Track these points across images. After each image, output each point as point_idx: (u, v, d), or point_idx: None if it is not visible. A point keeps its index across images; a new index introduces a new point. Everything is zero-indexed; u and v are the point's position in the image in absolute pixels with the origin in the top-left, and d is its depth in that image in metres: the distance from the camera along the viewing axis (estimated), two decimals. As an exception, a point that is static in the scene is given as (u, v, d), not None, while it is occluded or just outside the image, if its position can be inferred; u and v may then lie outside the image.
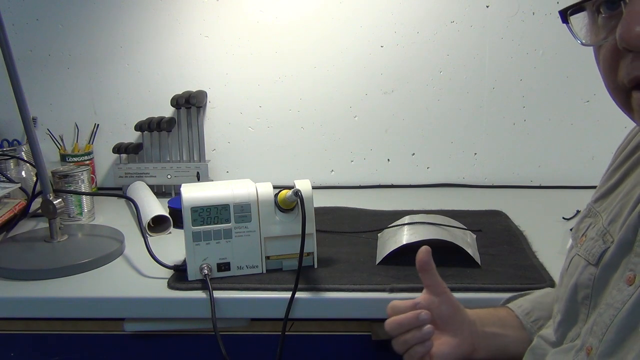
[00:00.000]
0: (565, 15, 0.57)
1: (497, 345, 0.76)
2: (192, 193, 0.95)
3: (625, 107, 0.56)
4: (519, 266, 0.97)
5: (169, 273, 0.97)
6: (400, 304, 0.75)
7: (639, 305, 0.56)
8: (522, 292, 0.84)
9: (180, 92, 1.43)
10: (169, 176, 1.42)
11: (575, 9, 0.57)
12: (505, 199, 1.36)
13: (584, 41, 0.57)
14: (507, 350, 0.76)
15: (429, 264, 0.75)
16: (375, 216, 1.24)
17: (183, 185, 0.97)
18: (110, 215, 1.30)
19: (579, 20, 0.58)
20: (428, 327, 0.72)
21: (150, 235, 1.15)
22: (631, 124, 0.62)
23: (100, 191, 1.49)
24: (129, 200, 1.25)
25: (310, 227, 0.96)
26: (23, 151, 1.40)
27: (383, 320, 0.92)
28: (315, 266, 0.98)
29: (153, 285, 0.95)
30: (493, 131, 1.46)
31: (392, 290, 0.90)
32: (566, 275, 0.69)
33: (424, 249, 0.75)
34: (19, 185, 1.31)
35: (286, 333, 0.89)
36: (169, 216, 1.19)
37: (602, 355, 0.58)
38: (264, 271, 0.97)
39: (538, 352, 0.71)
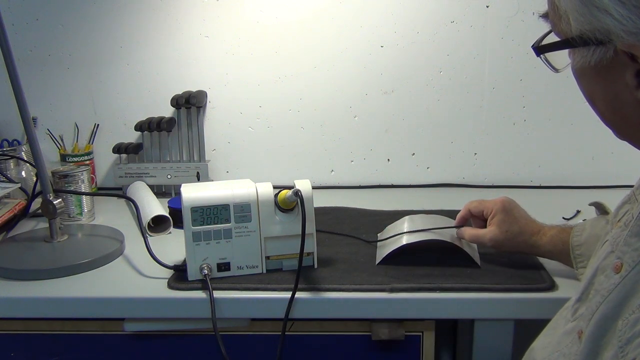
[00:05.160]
0: (538, 47, 0.60)
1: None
2: (192, 193, 0.95)
3: None
4: (519, 266, 0.97)
5: (169, 273, 0.97)
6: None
7: (623, 296, 0.57)
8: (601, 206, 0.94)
9: (180, 92, 1.43)
10: (169, 176, 1.42)
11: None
12: (505, 199, 1.36)
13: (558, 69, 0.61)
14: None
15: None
16: (375, 216, 1.24)
17: (183, 185, 0.97)
18: (110, 215, 1.30)
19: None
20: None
21: (150, 235, 1.15)
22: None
23: (100, 191, 1.49)
24: (129, 200, 1.26)
25: (310, 227, 0.96)
26: (23, 151, 1.40)
27: (383, 320, 0.93)
28: (315, 266, 0.98)
29: (153, 285, 0.95)
30: (493, 131, 1.46)
31: (392, 290, 0.90)
32: (594, 257, 0.70)
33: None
34: (19, 185, 1.31)
35: (286, 333, 0.89)
36: (169, 216, 1.19)
37: (587, 340, 0.59)
38: (264, 271, 0.97)
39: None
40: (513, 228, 0.93)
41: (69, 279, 0.98)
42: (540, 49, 0.62)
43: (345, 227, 1.17)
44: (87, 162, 1.43)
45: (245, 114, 1.47)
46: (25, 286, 0.95)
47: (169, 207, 1.22)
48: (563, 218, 1.22)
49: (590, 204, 0.97)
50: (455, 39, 1.40)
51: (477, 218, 1.00)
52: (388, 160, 1.49)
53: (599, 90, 0.59)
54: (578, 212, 1.25)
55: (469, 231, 0.98)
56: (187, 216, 0.93)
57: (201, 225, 0.94)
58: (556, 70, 0.63)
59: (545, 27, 0.63)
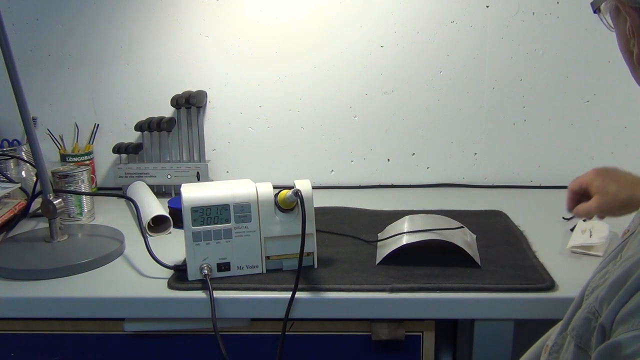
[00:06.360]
0: (596, 5, 0.65)
1: None
2: (192, 193, 0.95)
3: None
4: (519, 266, 0.97)
5: (169, 273, 0.97)
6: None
7: (616, 255, 0.60)
8: None
9: (180, 92, 1.43)
10: (169, 176, 1.42)
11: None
12: (505, 199, 1.36)
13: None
14: None
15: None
16: (375, 216, 1.24)
17: (183, 185, 0.97)
18: (110, 215, 1.30)
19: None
20: None
21: (150, 235, 1.15)
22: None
23: (100, 191, 1.49)
24: (129, 200, 1.26)
25: (310, 227, 0.96)
26: (23, 151, 1.40)
27: (383, 320, 0.93)
28: (315, 266, 0.98)
29: (153, 285, 0.95)
30: (493, 131, 1.46)
31: (392, 290, 0.90)
32: None
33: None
34: (19, 185, 1.31)
35: (286, 333, 0.89)
36: (169, 216, 1.19)
37: (578, 296, 0.62)
38: (264, 271, 0.97)
39: None
40: (611, 188, 0.93)
41: (69, 279, 0.98)
42: (594, 3, 0.66)
43: (345, 227, 1.17)
44: (87, 162, 1.43)
45: (245, 114, 1.47)
46: (25, 286, 0.95)
47: (169, 207, 1.22)
48: (563, 218, 1.22)
49: None
50: (455, 39, 1.40)
51: (581, 195, 1.01)
52: (388, 160, 1.49)
53: (618, 38, 0.65)
54: (578, 212, 1.25)
55: (581, 207, 0.98)
56: (187, 216, 0.93)
57: (201, 225, 0.94)
58: (611, 28, 0.68)
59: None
